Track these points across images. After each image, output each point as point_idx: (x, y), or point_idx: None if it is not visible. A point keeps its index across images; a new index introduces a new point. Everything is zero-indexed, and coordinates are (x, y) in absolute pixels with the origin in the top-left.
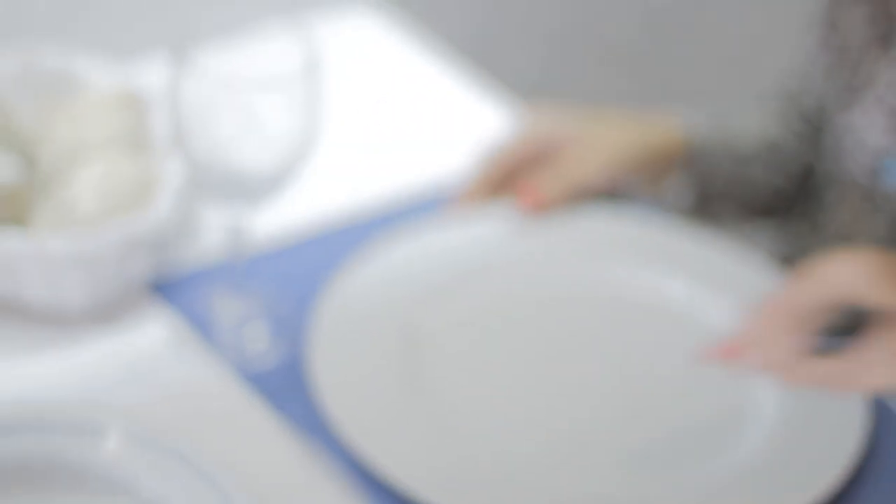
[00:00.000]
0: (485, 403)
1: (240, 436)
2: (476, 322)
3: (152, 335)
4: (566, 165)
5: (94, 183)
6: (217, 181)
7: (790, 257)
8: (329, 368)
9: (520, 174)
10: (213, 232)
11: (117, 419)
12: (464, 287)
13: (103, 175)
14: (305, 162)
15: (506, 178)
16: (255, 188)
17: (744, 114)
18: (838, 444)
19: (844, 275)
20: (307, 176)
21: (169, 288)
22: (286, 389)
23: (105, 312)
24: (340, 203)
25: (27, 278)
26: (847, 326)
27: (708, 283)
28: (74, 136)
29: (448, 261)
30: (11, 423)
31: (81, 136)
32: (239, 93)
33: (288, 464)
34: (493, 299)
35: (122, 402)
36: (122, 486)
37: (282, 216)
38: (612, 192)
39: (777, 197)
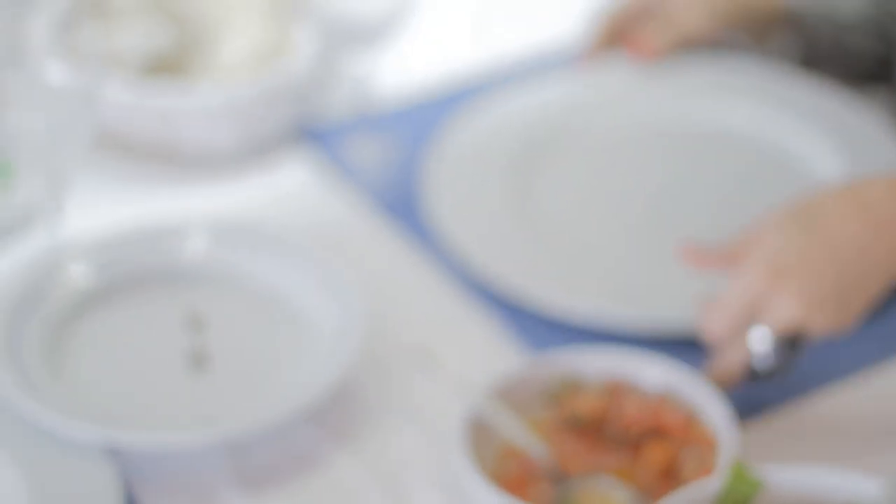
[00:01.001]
0: (583, 219)
1: (367, 251)
2: (584, 155)
3: (297, 173)
4: (672, 17)
5: (241, 42)
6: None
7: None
8: (444, 192)
9: (631, 29)
10: (349, 86)
11: (206, 222)
12: (577, 129)
13: (248, 36)
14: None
15: (619, 34)
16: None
17: None
18: None
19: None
20: (432, 37)
21: (312, 134)
22: (409, 214)
23: (254, 157)
24: (464, 62)
25: (185, 127)
26: None
27: (816, 126)
28: (219, 4)
29: (564, 107)
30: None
31: (226, 4)
32: None
33: (404, 274)
34: (602, 139)
35: (269, 225)
36: (218, 279)
37: (410, 77)
38: (715, 43)
39: (880, 63)
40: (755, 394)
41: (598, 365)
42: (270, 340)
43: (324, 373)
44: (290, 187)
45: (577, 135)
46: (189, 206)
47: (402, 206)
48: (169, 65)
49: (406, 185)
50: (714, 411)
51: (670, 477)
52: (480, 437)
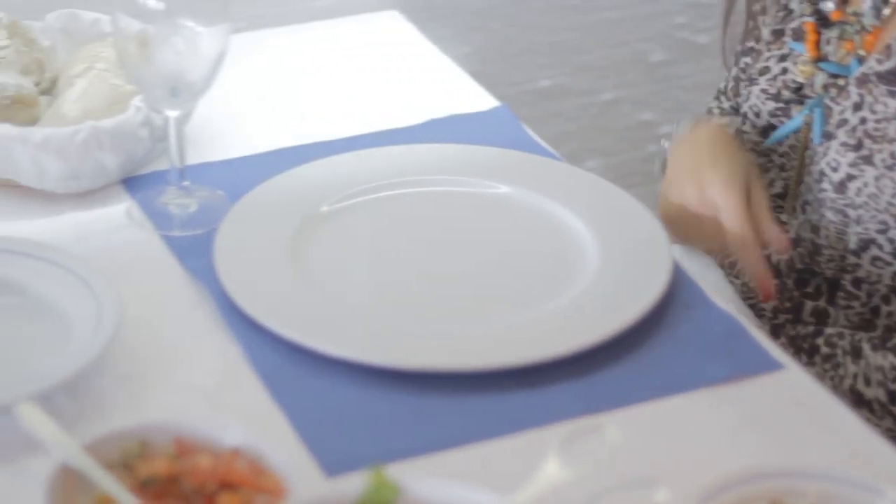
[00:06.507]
0: (355, 269)
1: (148, 278)
2: (365, 220)
3: (112, 213)
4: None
5: (76, 95)
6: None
7: None
8: (229, 239)
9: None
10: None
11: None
12: (364, 195)
13: (83, 89)
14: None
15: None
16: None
17: None
18: (648, 283)
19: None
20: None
21: (132, 179)
22: (197, 253)
23: (80, 194)
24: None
25: (18, 161)
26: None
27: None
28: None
29: (352, 175)
30: None
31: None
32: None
33: (181, 303)
34: (379, 208)
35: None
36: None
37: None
38: None
39: None
40: None
41: (165, 428)
42: (32, 337)
43: (60, 368)
44: (103, 224)
45: (363, 204)
46: (14, 231)
47: (196, 252)
48: (26, 111)
49: (204, 235)
50: (282, 461)
51: None
52: (74, 481)
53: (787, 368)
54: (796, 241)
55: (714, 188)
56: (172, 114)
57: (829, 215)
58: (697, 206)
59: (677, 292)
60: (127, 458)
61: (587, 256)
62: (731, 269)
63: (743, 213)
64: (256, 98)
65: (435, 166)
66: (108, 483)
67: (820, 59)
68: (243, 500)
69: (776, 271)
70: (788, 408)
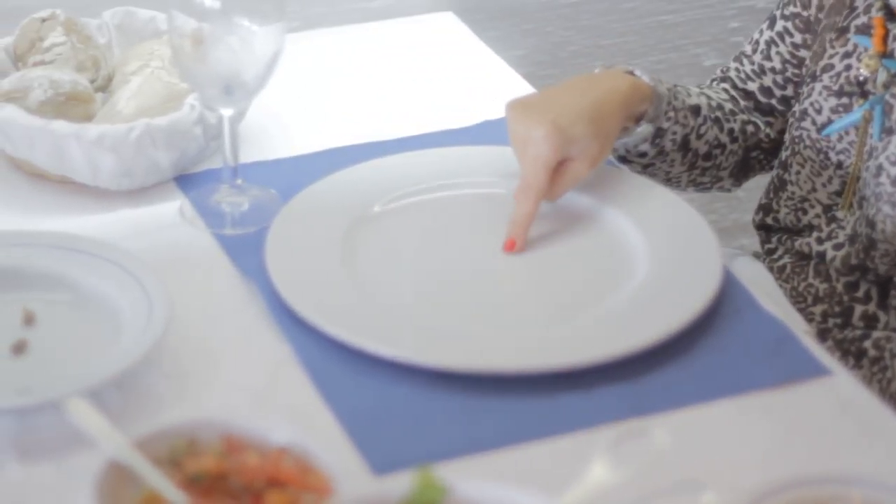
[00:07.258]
0: (405, 269)
1: (199, 276)
2: (416, 221)
3: (164, 210)
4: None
5: (131, 92)
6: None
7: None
8: (281, 238)
9: None
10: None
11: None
12: (413, 196)
13: (138, 86)
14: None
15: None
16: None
17: None
18: (698, 287)
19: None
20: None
21: (184, 177)
22: (248, 251)
23: (133, 191)
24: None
25: (73, 158)
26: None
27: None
28: (128, 61)
29: (404, 176)
30: None
31: (133, 62)
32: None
33: (231, 301)
34: (430, 210)
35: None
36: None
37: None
38: None
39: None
40: None
41: (214, 425)
42: (83, 333)
43: (111, 364)
44: (155, 221)
45: (415, 205)
46: (67, 227)
47: (247, 250)
48: (81, 103)
49: (256, 234)
50: (330, 460)
51: None
52: (123, 476)
53: (835, 374)
54: (852, 238)
55: (539, 135)
56: (226, 112)
57: (886, 209)
58: (517, 139)
59: (726, 296)
60: (175, 455)
61: (637, 260)
62: (779, 273)
63: (544, 169)
64: (309, 98)
65: (488, 168)
66: (156, 479)
67: (886, 54)
68: (290, 498)
69: (826, 276)
70: (836, 414)
